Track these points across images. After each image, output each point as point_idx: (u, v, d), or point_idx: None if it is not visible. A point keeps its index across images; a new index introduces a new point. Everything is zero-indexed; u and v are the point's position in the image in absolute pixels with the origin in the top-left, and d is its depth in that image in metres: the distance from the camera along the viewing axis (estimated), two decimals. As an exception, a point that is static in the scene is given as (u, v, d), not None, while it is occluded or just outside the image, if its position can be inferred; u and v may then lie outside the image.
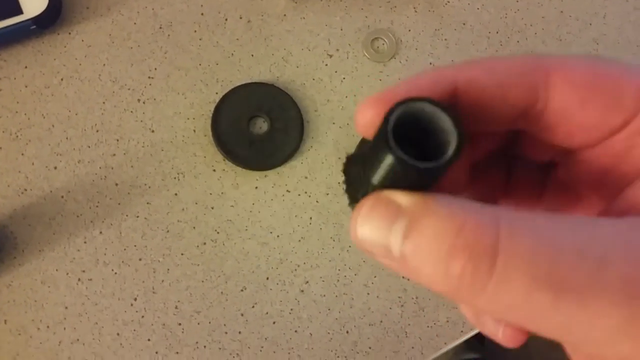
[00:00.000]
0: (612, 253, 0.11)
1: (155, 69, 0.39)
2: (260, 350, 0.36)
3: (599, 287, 0.11)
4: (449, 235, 0.12)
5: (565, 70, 0.14)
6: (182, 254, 0.37)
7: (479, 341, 1.00)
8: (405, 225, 0.13)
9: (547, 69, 0.14)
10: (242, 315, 0.37)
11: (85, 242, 0.36)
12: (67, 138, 0.37)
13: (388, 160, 0.13)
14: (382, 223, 0.13)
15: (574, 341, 0.12)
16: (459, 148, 0.13)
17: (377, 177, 0.14)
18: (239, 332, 0.37)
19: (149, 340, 0.36)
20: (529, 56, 0.15)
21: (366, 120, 0.14)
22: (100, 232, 0.36)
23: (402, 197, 0.13)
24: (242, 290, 0.37)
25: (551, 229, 0.12)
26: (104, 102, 0.38)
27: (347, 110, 0.40)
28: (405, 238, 0.13)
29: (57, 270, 0.36)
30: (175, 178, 0.38)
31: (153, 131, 0.38)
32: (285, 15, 0.41)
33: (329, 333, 0.37)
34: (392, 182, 0.14)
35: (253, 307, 0.37)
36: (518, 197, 0.19)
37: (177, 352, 0.36)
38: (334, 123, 0.40)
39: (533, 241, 0.12)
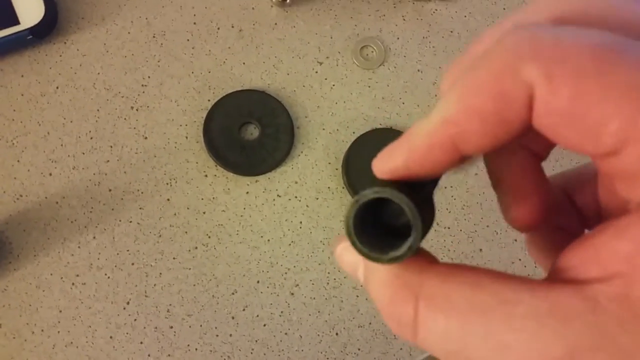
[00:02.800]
0: (514, 342, 0.12)
1: (149, 77, 0.40)
2: (251, 353, 0.37)
3: None
4: (383, 303, 0.15)
5: (545, 80, 0.12)
6: (174, 258, 0.38)
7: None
8: (363, 274, 0.16)
9: (529, 91, 0.12)
10: (233, 318, 0.37)
11: (79, 247, 0.37)
12: (62, 145, 0.38)
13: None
14: (350, 265, 0.17)
15: None
16: (410, 248, 0.14)
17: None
18: (230, 335, 0.37)
19: (141, 343, 0.36)
20: (508, 51, 0.13)
21: (391, 171, 0.16)
22: (94, 237, 0.37)
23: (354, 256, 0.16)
24: (233, 294, 0.38)
25: (463, 310, 0.13)
26: (98, 110, 0.39)
27: (336, 116, 0.41)
28: (364, 285, 0.16)
29: (51, 274, 0.37)
30: (167, 184, 0.38)
31: (146, 138, 0.39)
32: (276, 24, 0.42)
33: (318, 335, 0.38)
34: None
35: (244, 310, 0.38)
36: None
37: (169, 355, 0.36)
38: (324, 129, 0.41)
39: (445, 321, 0.13)
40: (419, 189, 0.16)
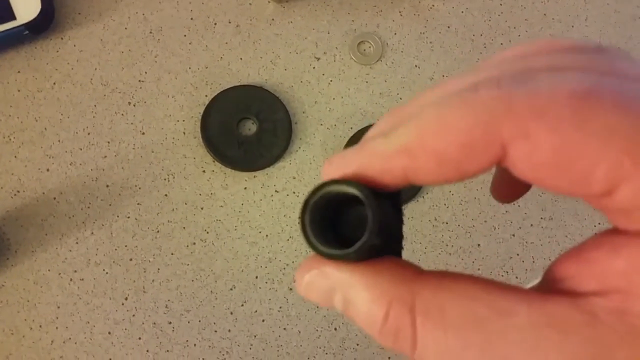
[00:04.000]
0: (513, 352, 0.12)
1: (146, 72, 0.40)
2: (250, 348, 0.37)
3: None
4: (377, 323, 0.14)
5: (521, 137, 0.12)
6: (172, 254, 0.38)
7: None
8: (343, 300, 0.14)
9: (500, 136, 0.12)
10: (231, 313, 0.37)
11: (77, 243, 0.37)
12: (59, 141, 0.38)
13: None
14: (323, 296, 0.15)
15: None
16: (364, 243, 0.14)
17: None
18: (229, 330, 0.37)
19: (139, 338, 0.36)
20: (481, 108, 0.12)
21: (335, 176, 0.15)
22: (92, 233, 0.37)
23: (333, 272, 0.14)
24: (231, 289, 0.38)
25: (460, 324, 0.13)
26: (95, 106, 0.39)
27: (334, 112, 0.41)
28: (345, 311, 0.14)
29: (49, 270, 0.36)
30: (165, 179, 0.38)
31: (143, 133, 0.39)
32: (273, 19, 0.42)
33: (317, 330, 0.38)
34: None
35: (242, 305, 0.38)
36: None
37: (168, 351, 0.36)
38: (321, 124, 0.41)
39: (443, 336, 0.13)
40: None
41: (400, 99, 0.42)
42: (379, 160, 0.14)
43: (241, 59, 0.41)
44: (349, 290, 0.14)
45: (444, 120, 0.13)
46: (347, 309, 0.14)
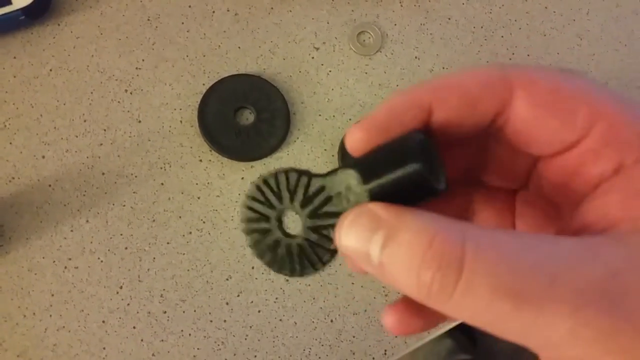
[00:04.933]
0: (564, 270, 0.13)
1: (143, 60, 0.39)
2: (245, 339, 0.37)
3: (550, 300, 0.13)
4: (420, 247, 0.14)
5: (527, 84, 0.16)
6: (168, 243, 0.37)
7: (471, 342, 1.00)
8: (384, 236, 0.14)
9: (511, 82, 0.16)
10: (227, 304, 0.37)
11: (72, 231, 0.37)
12: (55, 128, 0.38)
13: (404, 172, 0.15)
14: (364, 234, 0.15)
15: (533, 345, 0.13)
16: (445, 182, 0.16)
17: (376, 186, 0.16)
18: (224, 321, 0.37)
19: (134, 327, 0.36)
20: (494, 68, 0.16)
21: (356, 143, 0.17)
22: (87, 221, 0.37)
23: (382, 211, 0.15)
24: (227, 279, 0.37)
25: (511, 245, 0.13)
26: (92, 93, 0.39)
27: (333, 102, 0.41)
28: (383, 248, 0.14)
29: (43, 258, 0.36)
30: (161, 168, 0.38)
31: (140, 121, 0.39)
32: (272, 8, 0.42)
33: (313, 322, 0.38)
34: (387, 194, 0.16)
35: (238, 295, 0.37)
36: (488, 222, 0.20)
37: (162, 340, 0.36)
38: (320, 115, 0.41)
39: (495, 256, 0.13)
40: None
41: (400, 90, 0.42)
42: (407, 95, 0.16)
43: (239, 47, 0.41)
44: (394, 225, 0.14)
45: (465, 71, 0.16)
46: (387, 247, 0.14)
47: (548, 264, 0.13)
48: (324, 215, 0.17)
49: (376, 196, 0.16)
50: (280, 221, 0.18)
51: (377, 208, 0.15)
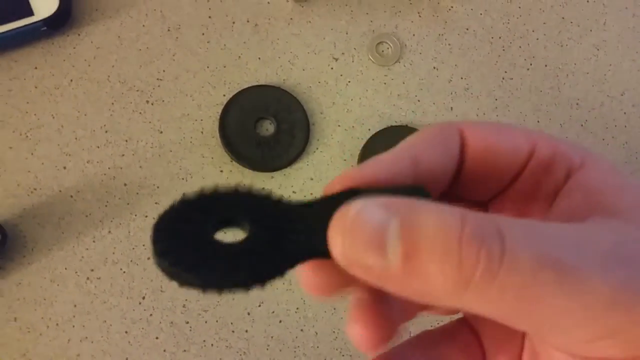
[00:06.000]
0: (581, 241, 0.13)
1: (164, 70, 0.39)
2: (267, 349, 0.37)
3: (584, 266, 0.12)
4: (454, 227, 0.12)
5: (472, 130, 0.17)
6: (189, 254, 0.37)
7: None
8: (400, 225, 0.12)
9: (460, 129, 0.17)
10: (248, 314, 0.37)
11: (94, 241, 0.37)
12: (76, 138, 0.38)
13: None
14: (375, 227, 0.12)
15: (571, 324, 0.13)
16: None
17: None
18: (246, 331, 0.37)
19: (157, 338, 0.36)
20: (444, 124, 0.18)
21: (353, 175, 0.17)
22: (109, 232, 0.37)
23: (391, 201, 0.13)
24: (248, 290, 0.38)
25: (532, 223, 0.13)
26: (112, 103, 0.39)
27: (352, 112, 0.41)
28: (403, 236, 0.12)
29: (66, 268, 0.36)
30: (183, 179, 0.38)
31: (161, 132, 0.39)
32: (291, 19, 0.42)
33: (334, 332, 0.38)
34: None
35: (260, 305, 0.38)
36: None
37: (185, 350, 0.36)
38: (339, 125, 0.41)
39: (526, 230, 0.13)
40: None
41: (418, 100, 0.42)
42: (391, 155, 0.17)
43: (259, 58, 0.41)
44: (412, 213, 0.12)
45: (424, 132, 0.18)
46: (410, 233, 0.12)
47: (569, 236, 0.13)
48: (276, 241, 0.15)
49: None
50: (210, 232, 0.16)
51: (387, 199, 0.13)
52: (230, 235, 0.16)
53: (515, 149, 0.17)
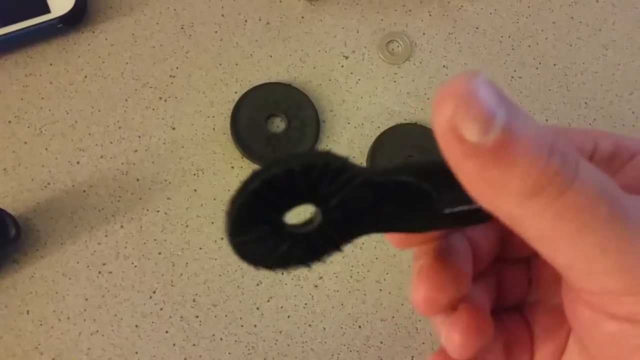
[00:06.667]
0: None
1: (177, 68, 0.40)
2: (275, 343, 0.37)
3: (637, 215, 0.14)
4: (549, 140, 0.13)
5: None
6: (200, 249, 0.38)
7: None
8: (508, 116, 0.13)
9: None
10: (257, 309, 0.38)
11: (106, 236, 0.37)
12: (89, 134, 0.38)
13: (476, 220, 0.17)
14: (489, 104, 0.13)
15: (611, 263, 0.14)
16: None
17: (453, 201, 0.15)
18: (255, 326, 0.37)
19: (166, 332, 0.37)
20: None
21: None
22: (121, 226, 0.37)
23: (503, 93, 0.14)
24: (257, 285, 0.38)
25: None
26: (126, 100, 0.39)
27: (362, 110, 0.41)
28: (508, 125, 0.13)
29: (78, 262, 0.37)
30: (194, 174, 0.39)
31: (174, 128, 0.39)
32: (303, 17, 0.42)
33: (342, 327, 0.38)
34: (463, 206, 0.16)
35: (268, 301, 0.38)
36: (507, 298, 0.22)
37: (194, 344, 0.37)
38: (349, 123, 0.41)
39: (601, 174, 0.14)
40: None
41: (428, 99, 0.42)
42: None
43: (271, 56, 0.41)
44: (519, 112, 0.13)
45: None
46: (515, 124, 0.13)
47: (629, 195, 0.14)
48: (355, 217, 0.15)
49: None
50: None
51: (499, 90, 0.14)
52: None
53: (580, 150, 0.18)
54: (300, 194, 0.14)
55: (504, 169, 0.13)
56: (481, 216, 0.16)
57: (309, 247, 0.15)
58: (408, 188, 0.15)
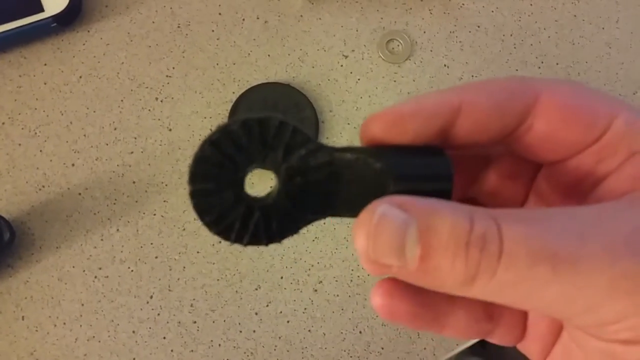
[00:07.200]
0: (591, 229, 0.14)
1: (173, 67, 0.39)
2: (274, 349, 0.37)
3: (585, 257, 0.13)
4: (464, 233, 0.14)
5: (551, 93, 0.17)
6: (197, 252, 0.37)
7: (481, 345, 1.00)
8: (420, 228, 0.14)
9: (536, 92, 0.17)
10: (256, 314, 0.37)
11: (102, 240, 0.37)
12: (85, 135, 0.38)
13: (435, 188, 0.16)
14: (397, 228, 0.14)
15: (574, 313, 0.14)
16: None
17: (404, 190, 0.16)
18: (254, 331, 0.37)
19: (164, 338, 0.36)
20: (519, 79, 0.17)
21: (373, 133, 0.17)
22: (117, 230, 0.37)
23: (414, 202, 0.15)
24: (256, 289, 0.37)
25: (539, 216, 0.14)
26: (122, 100, 0.38)
27: (361, 111, 0.41)
28: (422, 239, 0.14)
29: (73, 267, 0.36)
30: (191, 176, 0.38)
31: (170, 130, 0.38)
32: (301, 16, 0.41)
33: (342, 333, 0.37)
34: (415, 186, 0.16)
35: (267, 306, 0.37)
36: (501, 202, 0.21)
37: (192, 350, 0.36)
38: (348, 123, 0.40)
39: (527, 227, 0.14)
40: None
41: (429, 99, 0.41)
42: (437, 97, 0.16)
43: (269, 55, 0.40)
44: (429, 216, 0.14)
45: (491, 79, 0.17)
46: (427, 237, 0.14)
47: (575, 225, 0.14)
48: (315, 190, 0.16)
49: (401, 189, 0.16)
50: (243, 177, 0.16)
51: (408, 200, 0.15)
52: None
53: (592, 122, 0.17)
54: (258, 151, 0.15)
55: (434, 275, 0.14)
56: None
57: (265, 219, 0.16)
58: (363, 164, 0.16)
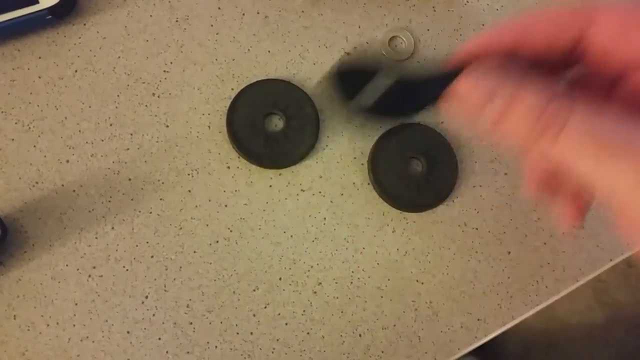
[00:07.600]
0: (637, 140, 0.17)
1: (171, 62, 0.38)
2: (272, 352, 0.36)
3: (622, 156, 0.17)
4: (545, 96, 0.19)
5: (606, 9, 0.20)
6: (194, 252, 0.36)
7: (480, 345, 0.99)
8: (509, 94, 0.19)
9: (591, 10, 0.20)
10: (254, 315, 0.36)
11: (96, 238, 0.36)
12: (80, 131, 0.37)
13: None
14: (484, 93, 0.19)
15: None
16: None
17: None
18: (251, 333, 0.36)
19: (159, 339, 0.35)
20: (575, 9, 0.21)
21: (468, 50, 0.22)
22: (112, 228, 0.36)
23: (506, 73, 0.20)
24: (254, 290, 0.37)
25: (606, 113, 0.18)
26: (118, 95, 0.37)
27: (364, 109, 0.40)
28: (508, 102, 0.19)
29: (67, 265, 0.35)
30: (189, 174, 0.37)
31: (167, 126, 0.37)
32: (303, 11, 0.41)
33: (341, 336, 0.37)
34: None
35: (265, 307, 0.36)
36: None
37: (188, 352, 0.35)
38: (349, 122, 0.39)
39: (594, 117, 0.18)
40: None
41: (432, 98, 0.41)
42: (514, 24, 0.21)
43: (269, 51, 0.40)
44: (519, 85, 0.19)
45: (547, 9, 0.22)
46: (513, 102, 0.19)
47: (629, 134, 0.17)
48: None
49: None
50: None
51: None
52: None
53: None
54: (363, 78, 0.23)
55: (514, 116, 0.19)
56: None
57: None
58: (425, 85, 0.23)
